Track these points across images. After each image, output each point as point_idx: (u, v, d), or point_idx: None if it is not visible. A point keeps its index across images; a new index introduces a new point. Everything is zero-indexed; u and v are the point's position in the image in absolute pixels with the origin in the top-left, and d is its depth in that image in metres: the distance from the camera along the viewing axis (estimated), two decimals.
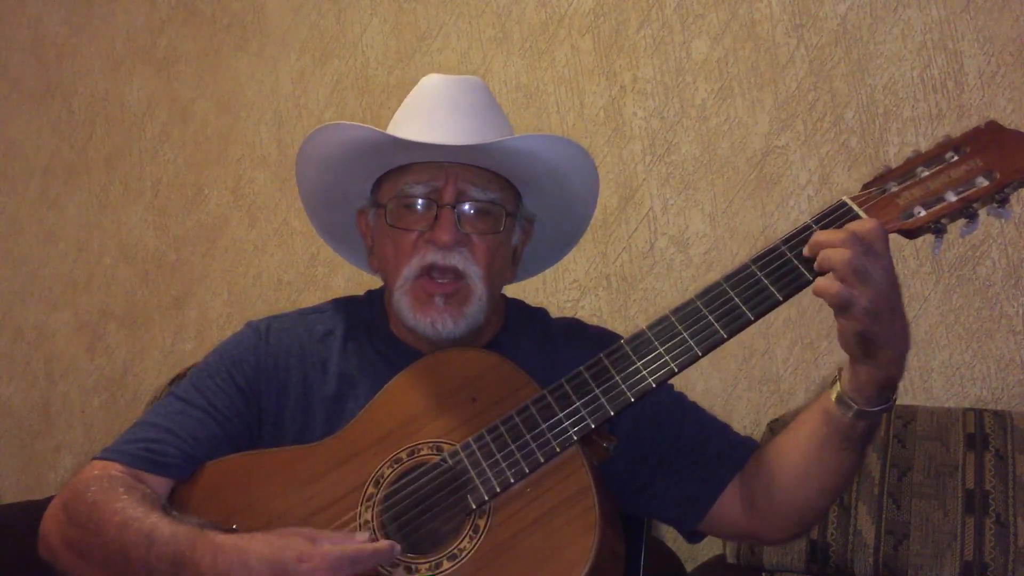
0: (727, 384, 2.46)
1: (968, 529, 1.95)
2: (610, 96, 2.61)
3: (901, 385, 2.22)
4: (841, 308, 1.20)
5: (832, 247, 1.20)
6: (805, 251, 1.24)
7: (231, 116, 3.08)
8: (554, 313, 1.66)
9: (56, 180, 3.32)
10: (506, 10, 2.73)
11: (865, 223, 1.22)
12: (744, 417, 2.43)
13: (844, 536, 2.02)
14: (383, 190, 1.52)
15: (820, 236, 1.23)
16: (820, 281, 1.21)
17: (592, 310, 2.59)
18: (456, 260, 1.43)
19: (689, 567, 2.29)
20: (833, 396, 1.30)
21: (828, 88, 2.39)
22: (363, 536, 1.27)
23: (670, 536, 2.35)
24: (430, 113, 1.49)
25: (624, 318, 2.57)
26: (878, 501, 2.02)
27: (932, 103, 2.30)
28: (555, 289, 2.61)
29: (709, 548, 2.33)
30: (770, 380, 2.43)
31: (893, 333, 1.22)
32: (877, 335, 1.21)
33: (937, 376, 2.28)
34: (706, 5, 2.51)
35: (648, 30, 2.57)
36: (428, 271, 1.44)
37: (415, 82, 1.58)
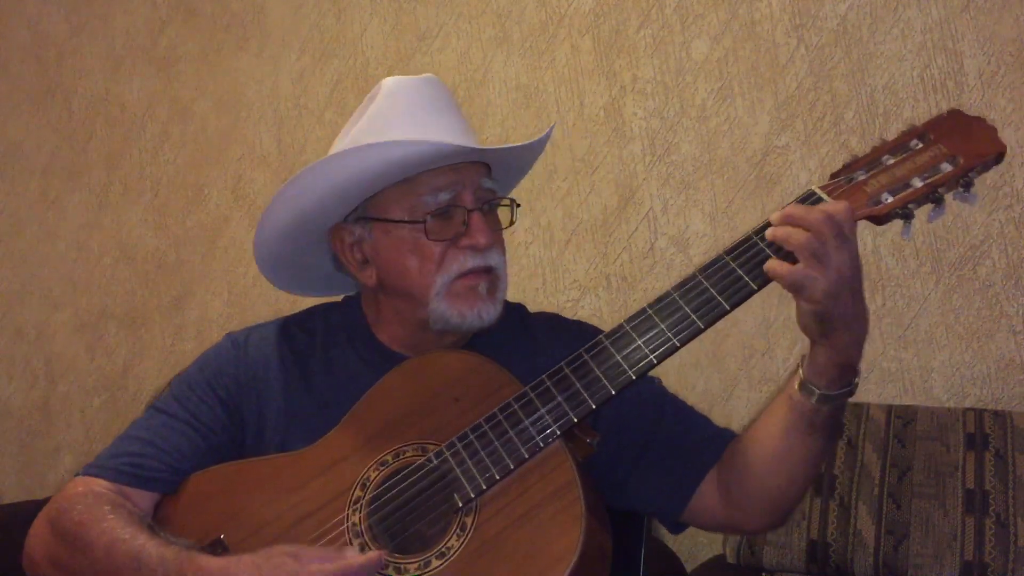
0: (727, 384, 2.45)
1: (968, 529, 1.95)
2: (610, 96, 2.60)
3: (900, 384, 2.22)
4: (795, 289, 1.22)
5: (802, 226, 1.21)
6: (773, 219, 1.25)
7: (231, 116, 3.08)
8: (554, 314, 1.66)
9: (56, 180, 3.32)
10: (506, 10, 2.73)
11: (837, 204, 1.24)
12: (744, 417, 2.42)
13: (844, 536, 2.02)
14: (388, 203, 1.45)
15: (792, 210, 1.23)
16: (771, 262, 1.24)
17: (592, 310, 2.59)
18: (493, 259, 1.46)
19: (689, 567, 2.29)
20: (796, 384, 1.32)
21: (828, 88, 2.39)
22: (352, 551, 1.26)
23: (670, 536, 2.34)
24: (419, 116, 1.45)
25: (624, 318, 2.56)
26: (878, 501, 2.02)
27: (932, 103, 2.30)
28: (555, 289, 2.61)
29: (709, 548, 2.33)
30: (770, 380, 2.43)
31: (852, 316, 1.23)
32: (835, 317, 1.22)
33: (937, 376, 2.28)
34: (706, 5, 2.51)
35: (648, 30, 2.57)
36: (467, 273, 1.44)
37: None
